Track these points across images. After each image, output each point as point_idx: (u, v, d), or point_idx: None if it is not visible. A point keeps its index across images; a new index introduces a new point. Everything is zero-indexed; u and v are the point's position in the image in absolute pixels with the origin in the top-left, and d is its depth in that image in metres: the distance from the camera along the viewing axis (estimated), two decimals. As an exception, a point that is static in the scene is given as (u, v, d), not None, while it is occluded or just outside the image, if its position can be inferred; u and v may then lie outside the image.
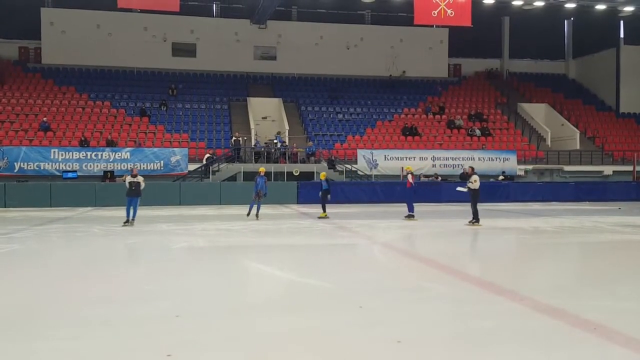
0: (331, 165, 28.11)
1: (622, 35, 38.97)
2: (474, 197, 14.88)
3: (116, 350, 4.53)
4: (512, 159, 30.31)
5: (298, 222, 16.17)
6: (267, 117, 32.87)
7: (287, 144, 28.64)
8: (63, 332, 5.04)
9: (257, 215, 16.60)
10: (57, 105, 30.89)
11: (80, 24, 34.38)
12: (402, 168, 24.32)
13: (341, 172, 27.73)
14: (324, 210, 17.59)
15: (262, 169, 17.51)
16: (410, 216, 16.68)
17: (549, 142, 33.85)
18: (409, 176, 17.09)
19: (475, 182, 15.00)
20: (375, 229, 14.40)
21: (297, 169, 26.06)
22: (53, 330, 5.10)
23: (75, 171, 25.54)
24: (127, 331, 5.04)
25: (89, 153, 26.18)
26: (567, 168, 31.30)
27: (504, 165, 29.90)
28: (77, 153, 26.03)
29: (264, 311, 5.79)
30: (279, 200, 24.31)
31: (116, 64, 35.22)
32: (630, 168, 31.27)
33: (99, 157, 26.18)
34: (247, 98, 33.74)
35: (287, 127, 30.35)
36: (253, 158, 27.96)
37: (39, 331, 5.07)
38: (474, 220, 14.77)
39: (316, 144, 30.00)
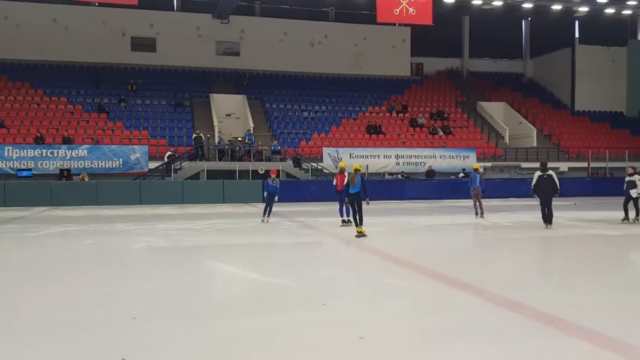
0: (297, 163, 28.01)
1: (577, 35, 40.19)
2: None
3: (69, 355, 4.36)
4: (472, 156, 30.90)
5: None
6: (231, 114, 32.50)
7: (259, 141, 28.35)
8: (13, 338, 4.81)
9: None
10: (11, 102, 29.79)
11: (35, 17, 33.23)
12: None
13: (307, 170, 27.69)
14: (356, 223, 11.68)
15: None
16: None
17: (507, 140, 34.67)
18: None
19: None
20: (340, 226, 14.38)
21: (262, 167, 25.84)
22: (2, 336, 4.87)
23: (30, 169, 24.70)
24: (81, 335, 4.86)
25: (44, 150, 25.33)
26: (524, 165, 32.11)
27: (464, 162, 30.44)
28: (32, 150, 25.17)
29: (225, 312, 5.68)
30: (244, 199, 24.12)
31: (73, 58, 34.21)
32: (585, 164, 32.33)
33: (55, 154, 25.37)
34: (210, 94, 33.27)
35: (252, 124, 30.09)
36: (217, 156, 27.61)
37: (-14, 337, 4.83)
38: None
39: (281, 142, 29.83)
